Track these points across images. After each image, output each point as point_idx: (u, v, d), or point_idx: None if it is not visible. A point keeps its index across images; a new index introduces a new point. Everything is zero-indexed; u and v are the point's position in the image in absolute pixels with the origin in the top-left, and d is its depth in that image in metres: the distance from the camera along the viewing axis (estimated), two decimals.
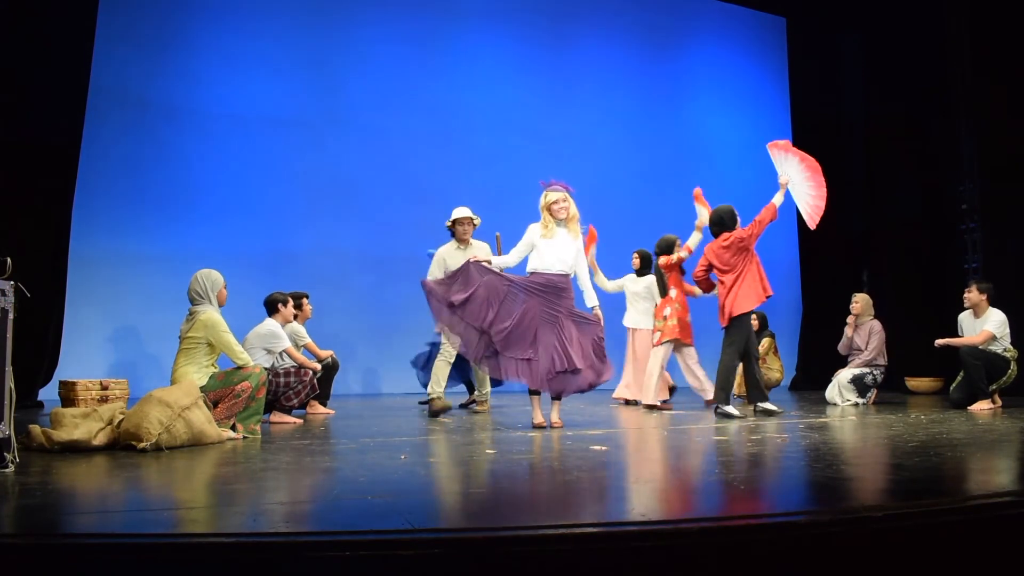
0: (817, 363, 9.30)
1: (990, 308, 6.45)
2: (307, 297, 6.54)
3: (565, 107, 9.78)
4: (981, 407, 6.17)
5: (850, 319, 7.17)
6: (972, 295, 6.50)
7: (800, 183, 6.09)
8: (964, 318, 6.66)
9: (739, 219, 6.06)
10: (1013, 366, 6.30)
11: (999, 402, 6.40)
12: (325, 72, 8.79)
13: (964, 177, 8.33)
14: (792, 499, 2.98)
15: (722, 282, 5.97)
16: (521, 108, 9.55)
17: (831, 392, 7.06)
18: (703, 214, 6.45)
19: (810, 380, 9.46)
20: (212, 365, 4.80)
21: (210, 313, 4.76)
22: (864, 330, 7.12)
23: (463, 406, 6.78)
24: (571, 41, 9.96)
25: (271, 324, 5.76)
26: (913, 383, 8.30)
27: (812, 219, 6.08)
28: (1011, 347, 6.36)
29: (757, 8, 10.57)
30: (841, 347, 7.25)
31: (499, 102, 9.44)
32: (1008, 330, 6.37)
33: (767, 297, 5.95)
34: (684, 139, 10.35)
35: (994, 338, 6.31)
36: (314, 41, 8.76)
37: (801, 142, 10.17)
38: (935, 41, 8.58)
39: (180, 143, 8.08)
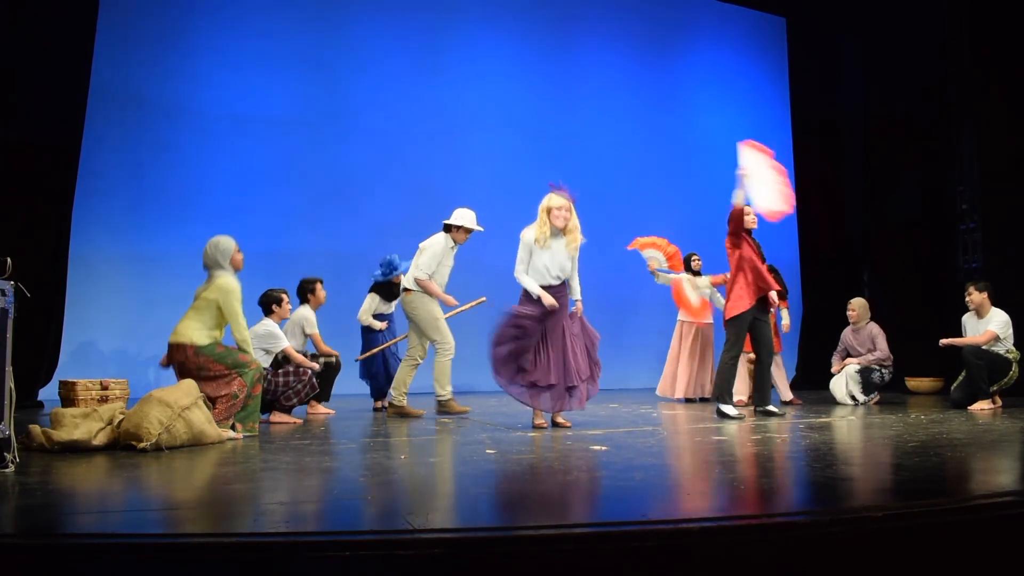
0: (817, 363, 9.29)
1: (993, 308, 6.44)
2: (320, 282, 6.44)
3: (565, 106, 9.77)
4: (981, 407, 6.17)
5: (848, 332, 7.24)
6: (974, 297, 6.49)
7: (762, 176, 5.89)
8: (967, 319, 6.65)
9: (747, 218, 5.99)
10: (1015, 368, 6.30)
11: (999, 402, 6.40)
12: (325, 72, 8.79)
13: (964, 177, 8.33)
14: (792, 499, 2.98)
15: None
16: (521, 108, 9.55)
17: (836, 383, 7.04)
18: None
19: (810, 380, 9.45)
20: (218, 330, 4.74)
21: (227, 278, 4.71)
22: (864, 334, 7.12)
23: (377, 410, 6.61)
24: (571, 40, 9.96)
25: (268, 324, 5.74)
26: (913, 383, 8.30)
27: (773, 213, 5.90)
28: (1013, 348, 6.36)
29: (757, 8, 10.56)
30: (836, 356, 7.27)
31: (499, 102, 9.44)
32: (1011, 331, 6.36)
33: (764, 291, 5.86)
34: (684, 139, 10.35)
35: (997, 338, 6.31)
36: (314, 41, 8.76)
37: (801, 142, 10.21)
38: (935, 41, 8.57)
39: (180, 143, 8.08)
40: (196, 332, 4.63)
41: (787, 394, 7.31)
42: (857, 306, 7.21)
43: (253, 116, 8.40)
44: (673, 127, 10.33)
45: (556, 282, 5.07)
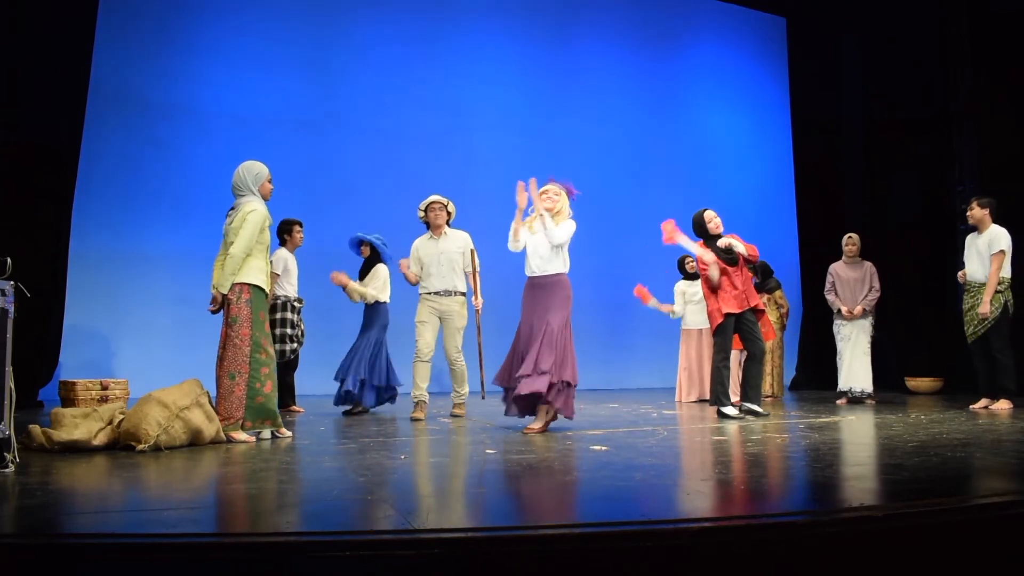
0: (817, 363, 9.30)
1: (993, 225, 6.33)
2: (299, 224, 6.51)
3: (566, 106, 9.78)
4: (1002, 407, 6.09)
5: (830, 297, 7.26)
6: (975, 212, 6.37)
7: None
8: (968, 239, 6.52)
9: (709, 225, 5.91)
10: (1008, 294, 6.21)
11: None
12: (325, 71, 8.79)
13: (963, 177, 8.33)
14: (792, 499, 2.98)
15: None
16: (521, 107, 9.55)
17: (855, 368, 7.04)
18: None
19: (810, 380, 9.46)
20: (264, 261, 4.44)
21: (254, 203, 4.47)
22: (864, 269, 7.15)
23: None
24: (572, 40, 9.96)
25: (282, 253, 5.75)
26: (913, 383, 8.30)
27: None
28: (1007, 277, 6.24)
29: (757, 8, 10.57)
30: (831, 295, 7.26)
31: (499, 101, 9.45)
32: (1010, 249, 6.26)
33: (743, 298, 5.86)
34: (684, 138, 10.35)
35: (1003, 254, 6.18)
36: (314, 40, 8.76)
37: (801, 142, 10.22)
38: (935, 41, 8.58)
39: (179, 143, 8.09)
40: (250, 271, 4.34)
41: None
42: (858, 240, 7.26)
43: (253, 116, 8.40)
44: (674, 126, 10.33)
45: (549, 269, 4.91)
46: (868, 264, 7.18)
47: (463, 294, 5.98)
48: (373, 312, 6.51)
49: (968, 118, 8.15)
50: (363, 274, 6.57)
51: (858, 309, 7.05)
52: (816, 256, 9.71)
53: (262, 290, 4.43)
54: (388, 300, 6.57)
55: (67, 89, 6.97)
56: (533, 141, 9.45)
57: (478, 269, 6.00)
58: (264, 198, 4.60)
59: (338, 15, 8.89)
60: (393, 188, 8.76)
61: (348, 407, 6.29)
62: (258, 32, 8.52)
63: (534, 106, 9.62)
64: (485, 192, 8.48)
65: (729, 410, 5.67)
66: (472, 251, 6.02)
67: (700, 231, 5.96)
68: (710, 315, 5.90)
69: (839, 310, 7.16)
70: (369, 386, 6.25)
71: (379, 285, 6.47)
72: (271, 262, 5.59)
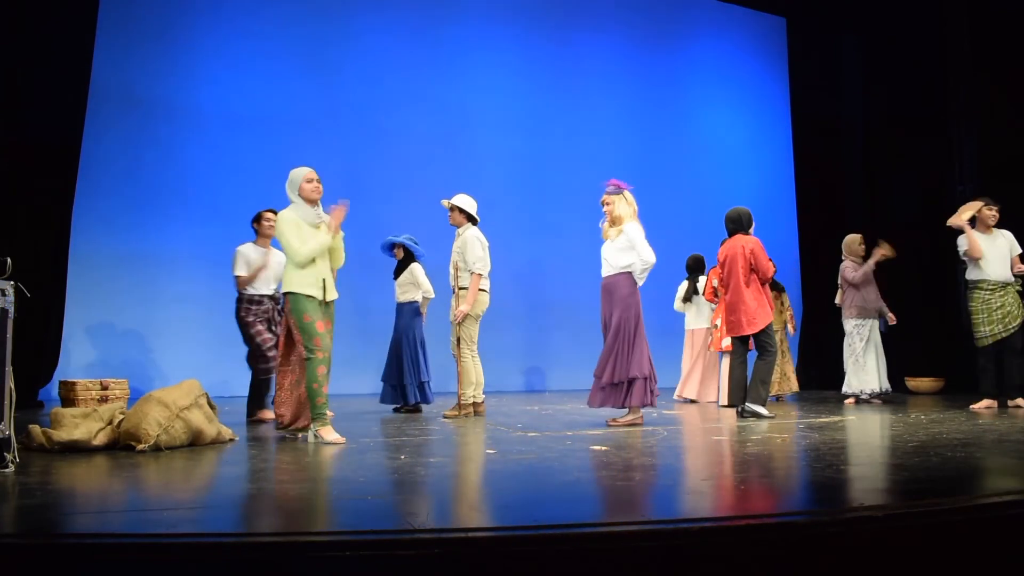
0: (817, 363, 9.29)
1: (995, 229, 6.43)
2: (270, 212, 6.06)
3: (567, 104, 9.78)
4: (1019, 403, 6.09)
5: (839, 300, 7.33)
6: (997, 215, 6.44)
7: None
8: (987, 241, 6.56)
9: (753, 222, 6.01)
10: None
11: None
12: (325, 71, 8.79)
13: (964, 177, 8.32)
14: (792, 499, 2.98)
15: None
16: (522, 106, 9.55)
17: (868, 372, 7.04)
18: None
19: (810, 380, 9.45)
20: (311, 276, 4.35)
21: (285, 211, 4.45)
22: (869, 268, 7.25)
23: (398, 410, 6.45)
24: (573, 39, 9.97)
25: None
26: (913, 383, 8.30)
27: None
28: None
29: (757, 8, 10.57)
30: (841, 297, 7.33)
31: (500, 99, 9.45)
32: None
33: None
34: (685, 138, 10.35)
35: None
36: (315, 40, 8.76)
37: (801, 142, 10.22)
38: (935, 41, 8.57)
39: (180, 143, 8.09)
40: (289, 277, 4.34)
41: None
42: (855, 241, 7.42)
43: (253, 115, 8.40)
44: (674, 126, 10.33)
45: (610, 271, 5.36)
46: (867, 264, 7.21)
47: (464, 288, 6.03)
48: (410, 310, 6.52)
49: (968, 118, 8.15)
50: (398, 274, 6.60)
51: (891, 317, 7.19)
52: (816, 256, 9.71)
53: (297, 295, 4.36)
54: (433, 295, 6.63)
55: (67, 89, 6.97)
56: (534, 139, 9.45)
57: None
58: (307, 199, 4.50)
59: (338, 15, 8.88)
60: (394, 187, 8.76)
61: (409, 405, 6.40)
62: (258, 32, 8.52)
63: (535, 104, 9.62)
64: (486, 190, 8.46)
65: (761, 409, 5.66)
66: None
67: (745, 225, 6.00)
68: (755, 316, 5.78)
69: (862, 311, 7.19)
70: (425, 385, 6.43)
71: (426, 285, 6.54)
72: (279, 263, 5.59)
